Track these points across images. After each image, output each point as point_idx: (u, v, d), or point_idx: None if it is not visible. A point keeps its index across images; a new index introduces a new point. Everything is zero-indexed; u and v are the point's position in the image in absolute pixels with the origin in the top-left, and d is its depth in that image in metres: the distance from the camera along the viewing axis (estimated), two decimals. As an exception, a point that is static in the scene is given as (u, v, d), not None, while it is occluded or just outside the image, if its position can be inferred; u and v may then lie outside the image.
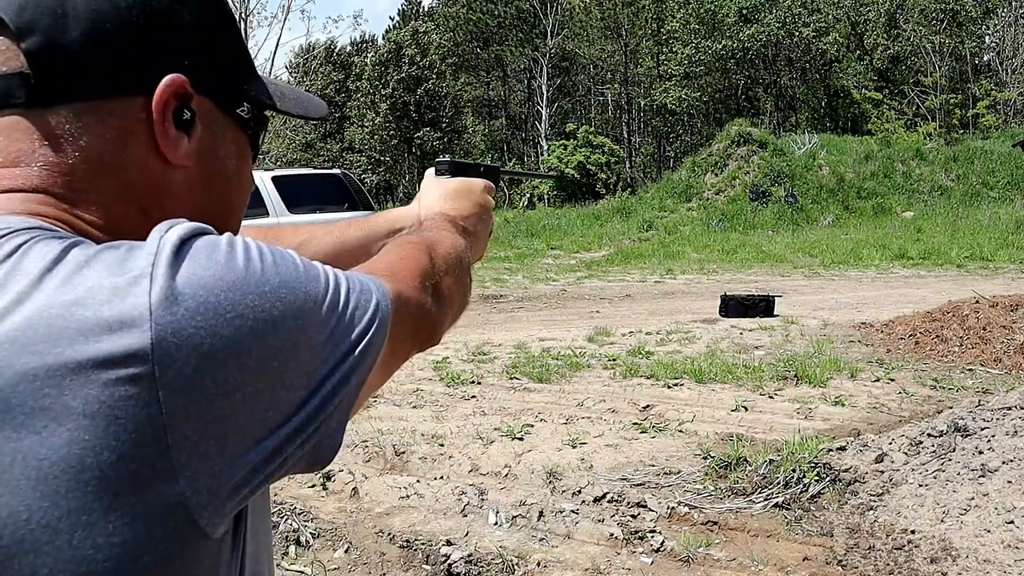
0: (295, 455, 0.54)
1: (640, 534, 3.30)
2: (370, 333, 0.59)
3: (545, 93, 38.45)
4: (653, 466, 4.00)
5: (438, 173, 1.10)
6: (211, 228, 0.56)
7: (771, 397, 5.27)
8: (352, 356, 0.57)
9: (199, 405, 0.49)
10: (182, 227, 0.53)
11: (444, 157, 1.13)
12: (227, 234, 0.55)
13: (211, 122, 0.65)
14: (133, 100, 0.59)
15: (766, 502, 3.58)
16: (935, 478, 3.40)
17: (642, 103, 40.34)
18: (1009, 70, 33.65)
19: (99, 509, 0.47)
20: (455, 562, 3.08)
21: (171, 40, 0.61)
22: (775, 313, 8.50)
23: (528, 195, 30.77)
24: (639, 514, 3.46)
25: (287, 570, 3.10)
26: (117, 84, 0.59)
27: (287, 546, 3.25)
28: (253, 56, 0.72)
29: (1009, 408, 3.98)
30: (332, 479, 3.81)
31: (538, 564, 3.09)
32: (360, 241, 1.05)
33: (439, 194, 1.05)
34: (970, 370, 5.92)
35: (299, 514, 3.43)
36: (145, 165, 0.61)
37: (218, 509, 0.51)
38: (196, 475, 0.49)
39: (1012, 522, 2.92)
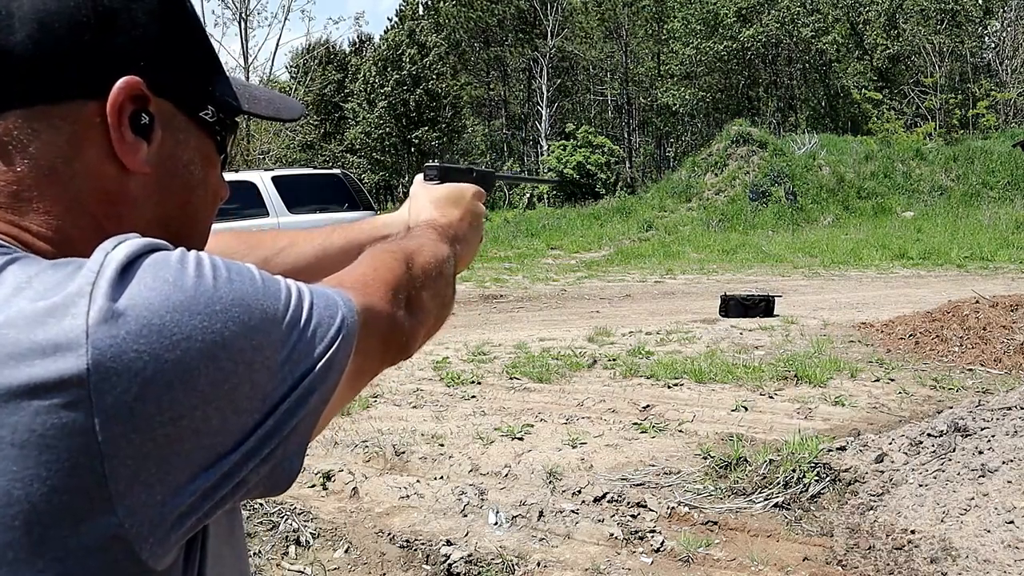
0: (249, 480, 0.52)
1: (640, 534, 3.30)
2: (332, 350, 0.56)
3: (545, 93, 38.43)
4: (653, 466, 4.00)
5: (427, 178, 1.07)
6: (164, 243, 0.53)
7: (771, 397, 5.27)
8: (312, 375, 0.54)
9: (140, 432, 0.46)
10: (130, 244, 0.50)
11: (433, 162, 1.10)
12: (179, 250, 0.52)
13: (172, 126, 0.62)
14: (86, 104, 0.56)
15: (766, 502, 3.58)
16: (935, 478, 3.40)
17: (642, 103, 40.36)
18: (1009, 70, 33.64)
19: (27, 545, 0.44)
20: (455, 562, 3.08)
21: (124, 40, 0.58)
22: (775, 313, 8.50)
23: (528, 195, 30.77)
24: (639, 514, 3.46)
25: (287, 570, 3.10)
26: (68, 88, 0.56)
27: (287, 546, 3.25)
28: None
29: (1009, 408, 3.98)
30: (332, 479, 3.81)
31: (538, 564, 3.09)
32: (343, 248, 1.02)
33: (428, 200, 1.02)
34: (970, 370, 5.92)
35: (299, 514, 3.43)
36: (100, 172, 0.57)
37: (161, 540, 0.48)
38: (136, 506, 0.46)
39: (1012, 522, 2.91)
